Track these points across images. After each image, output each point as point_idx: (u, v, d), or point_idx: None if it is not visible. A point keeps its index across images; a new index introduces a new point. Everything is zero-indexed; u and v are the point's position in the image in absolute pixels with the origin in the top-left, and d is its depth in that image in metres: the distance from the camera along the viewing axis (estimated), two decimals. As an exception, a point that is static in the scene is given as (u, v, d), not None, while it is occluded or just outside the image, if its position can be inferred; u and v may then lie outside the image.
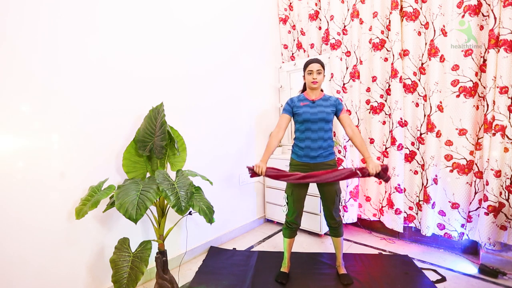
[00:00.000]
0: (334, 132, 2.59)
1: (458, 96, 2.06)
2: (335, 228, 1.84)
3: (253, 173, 1.69)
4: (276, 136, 1.81)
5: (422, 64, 2.21)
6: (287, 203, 1.84)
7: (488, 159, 1.89)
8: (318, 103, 1.78)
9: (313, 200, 2.48)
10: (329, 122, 1.78)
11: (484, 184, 1.94)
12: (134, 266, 1.43)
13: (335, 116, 1.83)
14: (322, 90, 1.88)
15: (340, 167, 1.84)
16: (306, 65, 1.82)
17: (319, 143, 1.76)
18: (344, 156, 2.55)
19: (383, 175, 1.62)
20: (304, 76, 1.86)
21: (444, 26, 2.07)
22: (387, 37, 2.36)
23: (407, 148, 2.31)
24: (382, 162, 2.47)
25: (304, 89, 1.93)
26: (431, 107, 2.15)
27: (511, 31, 1.79)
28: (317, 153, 1.77)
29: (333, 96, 1.86)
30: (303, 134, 1.79)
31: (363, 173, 1.61)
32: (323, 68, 1.79)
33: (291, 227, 1.85)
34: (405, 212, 2.35)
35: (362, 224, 2.70)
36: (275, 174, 1.71)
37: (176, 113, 2.03)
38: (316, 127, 1.75)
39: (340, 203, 1.89)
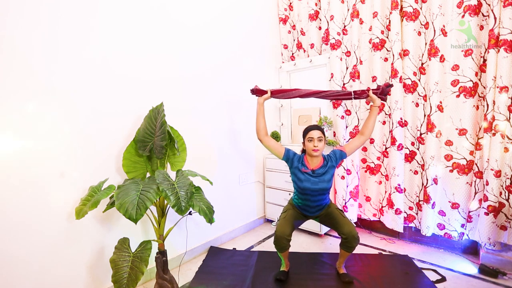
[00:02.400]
0: (334, 132, 2.60)
1: (458, 96, 2.05)
2: (355, 244, 1.71)
3: (259, 90, 1.87)
4: (264, 122, 1.86)
5: (422, 64, 2.21)
6: (278, 220, 1.84)
7: (488, 159, 1.89)
8: (318, 172, 1.74)
9: (313, 200, 2.48)
10: (328, 188, 1.76)
11: (484, 184, 1.94)
12: (134, 266, 1.43)
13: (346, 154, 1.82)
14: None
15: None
16: (306, 132, 1.78)
17: (318, 203, 1.78)
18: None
19: (385, 90, 1.79)
20: (303, 142, 1.81)
21: (444, 26, 2.07)
22: (387, 37, 2.36)
23: (407, 148, 2.31)
24: (382, 162, 2.47)
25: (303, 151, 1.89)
26: (431, 107, 2.15)
27: (511, 31, 1.79)
28: (316, 209, 1.80)
29: (329, 152, 1.83)
30: (303, 196, 1.78)
31: (359, 94, 1.79)
32: (323, 135, 1.75)
33: (280, 243, 1.71)
34: (405, 212, 2.35)
35: (362, 224, 2.70)
36: (278, 90, 1.88)
37: (176, 113, 2.03)
38: (317, 193, 1.75)
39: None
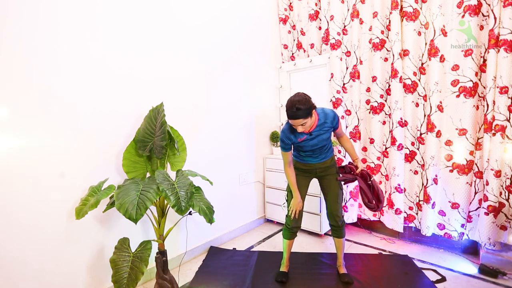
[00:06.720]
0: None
1: (458, 96, 2.05)
2: (338, 228, 1.84)
3: None
4: (291, 170, 1.81)
5: (422, 64, 2.21)
6: (286, 200, 1.85)
7: (488, 159, 1.89)
8: (315, 133, 1.68)
9: (313, 200, 2.48)
10: (328, 140, 1.79)
11: (484, 184, 1.93)
12: (134, 266, 1.43)
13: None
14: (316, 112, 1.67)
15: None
16: (287, 116, 1.58)
17: (321, 156, 1.82)
18: (344, 156, 2.54)
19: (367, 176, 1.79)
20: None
21: (444, 26, 2.07)
22: (387, 37, 2.36)
23: (407, 148, 2.31)
24: (382, 162, 2.47)
25: None
26: (431, 107, 2.15)
27: (511, 31, 1.79)
28: (319, 158, 1.82)
29: (328, 113, 1.69)
30: (306, 153, 1.82)
31: (352, 169, 1.81)
32: (305, 117, 1.52)
33: (291, 228, 1.84)
34: (405, 212, 2.35)
35: (362, 224, 2.70)
36: None
37: (176, 113, 2.03)
38: (318, 149, 1.78)
39: (344, 200, 1.90)
